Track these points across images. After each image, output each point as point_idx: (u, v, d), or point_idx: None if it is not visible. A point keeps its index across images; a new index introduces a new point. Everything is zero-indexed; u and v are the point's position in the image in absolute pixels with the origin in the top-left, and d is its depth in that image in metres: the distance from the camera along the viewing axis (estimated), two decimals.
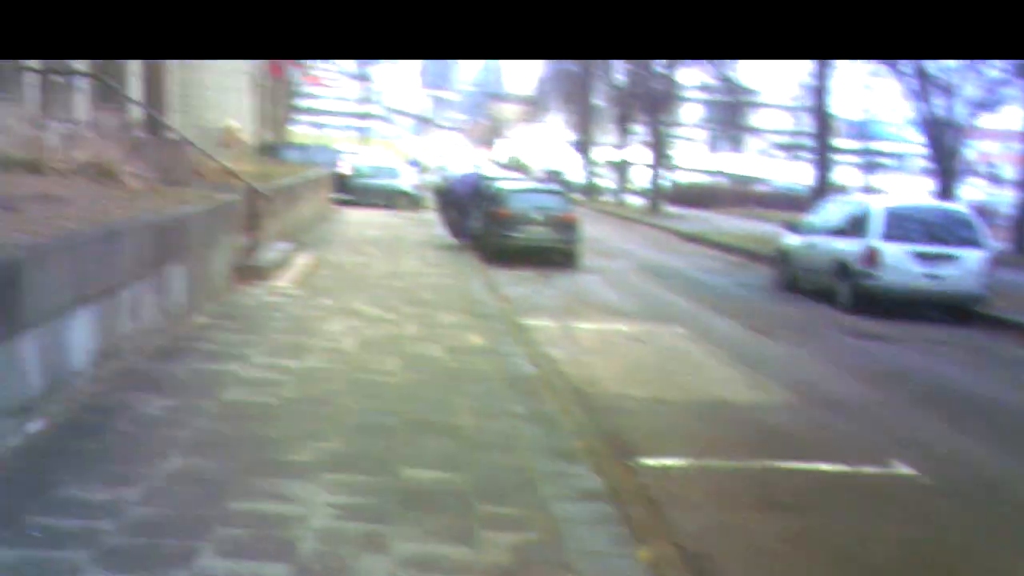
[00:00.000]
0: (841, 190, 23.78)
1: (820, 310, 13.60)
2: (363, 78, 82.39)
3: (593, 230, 21.64)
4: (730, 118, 72.52)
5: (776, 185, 61.83)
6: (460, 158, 59.35)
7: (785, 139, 74.00)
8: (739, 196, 52.10)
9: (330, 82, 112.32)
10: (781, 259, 16.17)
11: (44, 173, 8.66)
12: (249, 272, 10.99)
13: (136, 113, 23.00)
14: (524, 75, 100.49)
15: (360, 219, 22.33)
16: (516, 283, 14.31)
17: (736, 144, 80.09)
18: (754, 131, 68.97)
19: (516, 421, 6.05)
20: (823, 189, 22.24)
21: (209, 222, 9.37)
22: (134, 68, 22.71)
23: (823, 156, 22.44)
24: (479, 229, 17.72)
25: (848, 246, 13.77)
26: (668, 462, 6.05)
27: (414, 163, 41.08)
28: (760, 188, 59.19)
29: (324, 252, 14.63)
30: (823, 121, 21.93)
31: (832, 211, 15.35)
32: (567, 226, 16.96)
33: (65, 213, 6.55)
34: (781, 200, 52.26)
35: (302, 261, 12.94)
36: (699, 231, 27.75)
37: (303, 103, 68.78)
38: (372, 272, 12.94)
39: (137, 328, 6.83)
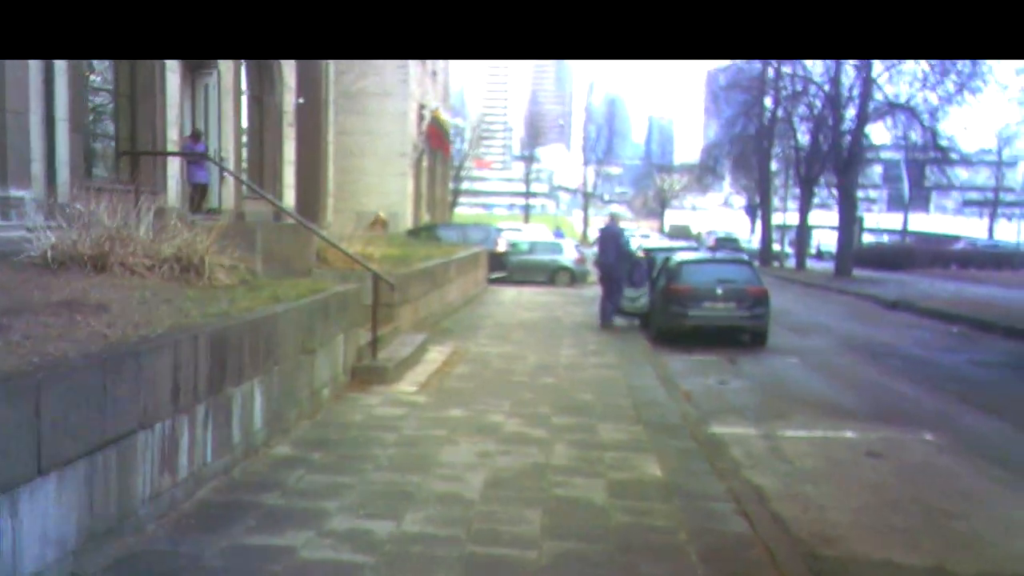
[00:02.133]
0: None
1: None
2: (529, 159, 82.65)
3: (778, 300, 18.61)
4: (919, 175, 66.74)
5: (977, 243, 55.75)
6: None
7: (978, 195, 67.60)
8: (935, 256, 47.05)
9: (497, 164, 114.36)
10: None
11: (109, 270, 7.08)
12: (368, 374, 9.03)
13: (290, 198, 22.34)
14: (691, 145, 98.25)
15: (514, 299, 20.34)
16: (696, 372, 11.74)
17: (921, 202, 73.77)
18: (949, 187, 62.98)
19: None
20: None
21: (310, 320, 7.49)
22: (289, 156, 22.15)
23: None
24: (647, 306, 15.27)
25: None
26: None
27: (559, 233, 39.00)
28: (958, 247, 53.47)
29: (466, 342, 12.59)
30: None
31: None
32: (756, 301, 14.21)
33: (76, 329, 4.74)
34: (986, 259, 46.92)
35: (437, 356, 10.92)
36: (902, 297, 24.09)
37: (471, 186, 69.21)
38: (518, 366, 10.74)
39: (170, 481, 4.87)
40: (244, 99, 19.69)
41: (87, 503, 4.03)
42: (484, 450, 6.61)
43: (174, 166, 14.77)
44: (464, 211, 67.18)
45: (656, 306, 14.86)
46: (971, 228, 67.69)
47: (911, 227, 64.87)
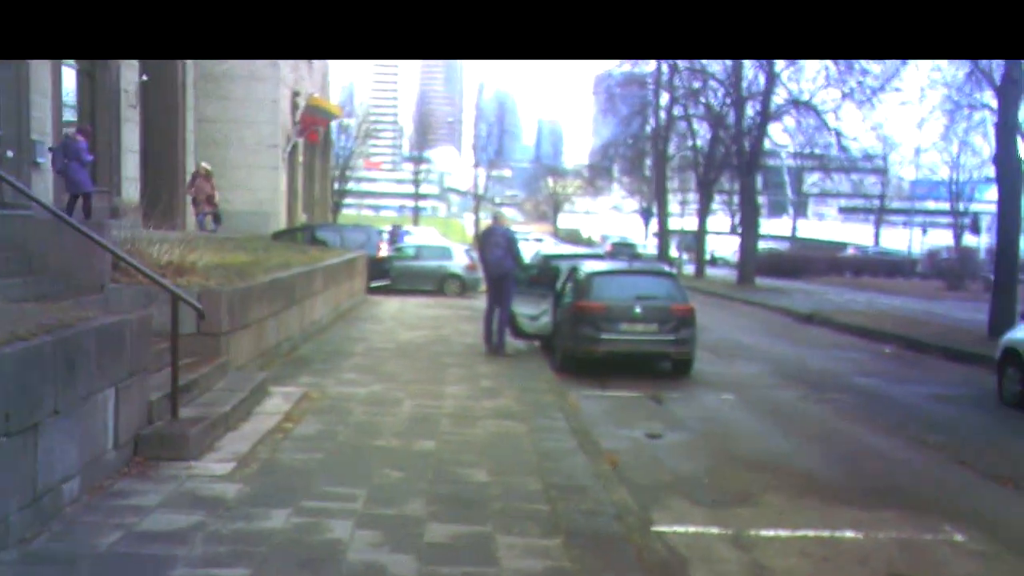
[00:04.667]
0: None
1: None
2: (419, 159, 79.62)
3: None
4: (798, 181, 67.18)
5: (868, 250, 55.78)
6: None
7: (863, 202, 68.13)
8: (830, 264, 46.53)
9: (387, 165, 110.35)
10: (1008, 361, 10.82)
11: None
12: (159, 445, 6.10)
13: (133, 192, 18.83)
14: (582, 148, 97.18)
15: (396, 313, 17.49)
16: (617, 419, 9.24)
17: (800, 208, 74.41)
18: (837, 195, 63.27)
19: None
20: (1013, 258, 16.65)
21: (21, 380, 4.56)
22: (131, 143, 18.70)
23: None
24: (549, 326, 12.74)
25: None
26: None
27: (400, 234, 34.29)
28: (847, 254, 53.22)
29: (325, 377, 9.72)
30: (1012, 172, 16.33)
31: None
32: (681, 322, 11.81)
33: None
34: (879, 266, 46.63)
35: (278, 404, 8.02)
36: (816, 309, 22.42)
37: (359, 187, 65.55)
38: (388, 419, 7.94)
39: None
40: (70, 72, 16.28)
41: None
42: None
43: None
44: (352, 213, 63.64)
45: (562, 327, 12.31)
46: (854, 235, 68.29)
47: (801, 234, 64.99)
